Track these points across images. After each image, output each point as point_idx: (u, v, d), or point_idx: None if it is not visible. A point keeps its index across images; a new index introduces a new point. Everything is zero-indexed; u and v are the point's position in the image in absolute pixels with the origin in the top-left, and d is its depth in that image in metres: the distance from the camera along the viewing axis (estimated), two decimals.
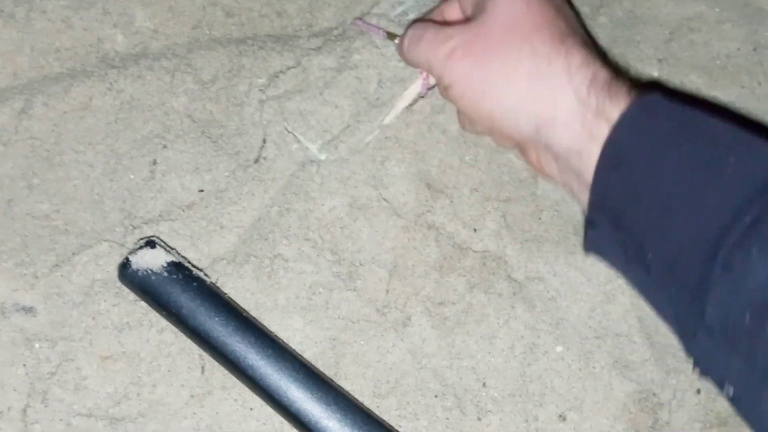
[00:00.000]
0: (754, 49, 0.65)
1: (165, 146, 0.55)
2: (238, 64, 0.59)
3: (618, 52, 0.64)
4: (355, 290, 0.52)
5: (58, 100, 0.56)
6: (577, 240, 0.56)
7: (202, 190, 0.54)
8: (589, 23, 0.65)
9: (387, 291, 0.53)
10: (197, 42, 0.60)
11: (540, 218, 0.57)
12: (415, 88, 0.57)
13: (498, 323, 0.52)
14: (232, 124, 0.57)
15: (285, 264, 0.52)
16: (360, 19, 0.60)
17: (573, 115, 0.44)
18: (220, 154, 0.56)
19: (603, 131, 0.42)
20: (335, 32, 0.60)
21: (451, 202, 0.56)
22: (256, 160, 0.55)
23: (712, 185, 0.38)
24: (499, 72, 0.46)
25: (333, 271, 0.53)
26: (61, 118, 0.55)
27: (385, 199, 0.55)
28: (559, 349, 0.53)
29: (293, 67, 0.58)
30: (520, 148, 0.51)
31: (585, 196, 0.44)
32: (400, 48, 0.54)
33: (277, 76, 0.58)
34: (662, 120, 0.41)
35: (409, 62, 0.54)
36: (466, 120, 0.54)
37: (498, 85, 0.46)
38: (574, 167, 0.45)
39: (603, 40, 0.64)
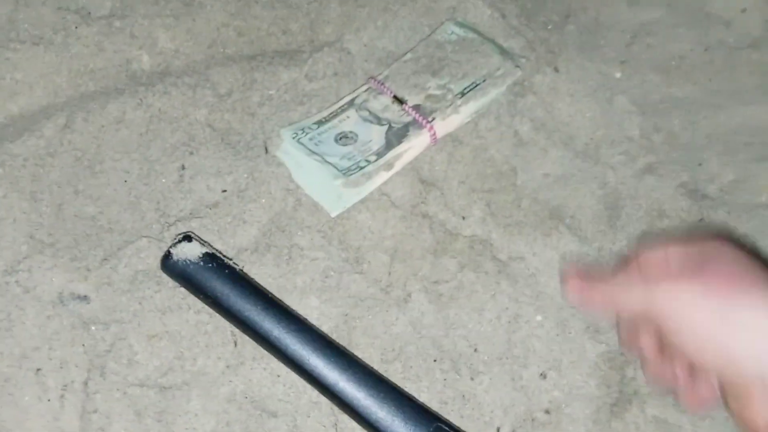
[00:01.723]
0: (705, 50, 0.73)
1: (191, 153, 0.63)
2: (250, 78, 0.67)
3: (585, 55, 0.72)
4: (361, 273, 0.60)
5: (95, 115, 0.64)
6: (552, 224, 0.64)
7: (225, 191, 0.62)
8: (558, 31, 0.73)
9: (389, 273, 0.61)
10: (213, 59, 0.68)
11: (520, 206, 0.64)
12: (423, 140, 0.64)
13: (486, 297, 0.60)
14: (248, 131, 0.65)
15: (301, 252, 0.60)
16: (373, 78, 0.67)
17: None
18: (239, 158, 0.64)
19: None
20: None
21: (442, 194, 0.64)
22: (271, 164, 0.63)
23: None
24: (735, 302, 0.44)
25: (342, 257, 0.61)
26: (100, 130, 0.63)
27: (384, 194, 0.63)
28: (539, 317, 0.60)
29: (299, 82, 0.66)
30: (745, 394, 0.46)
31: None
32: (578, 287, 0.52)
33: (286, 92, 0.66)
34: None
35: (596, 299, 0.51)
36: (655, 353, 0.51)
37: (735, 315, 0.44)
38: None
39: (570, 45, 0.72)
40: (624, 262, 0.52)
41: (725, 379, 0.46)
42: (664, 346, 0.50)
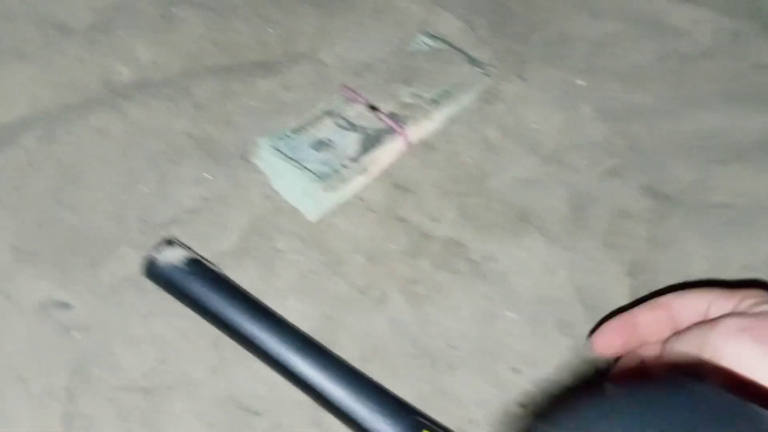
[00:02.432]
0: (662, 59, 0.75)
1: (172, 162, 0.63)
2: (228, 88, 0.67)
3: (550, 65, 0.73)
4: (340, 275, 0.61)
5: (76, 126, 0.64)
6: (522, 225, 0.65)
7: (205, 197, 0.62)
8: (524, 42, 0.75)
9: (367, 274, 0.61)
10: (192, 71, 0.68)
11: (491, 208, 0.65)
12: (397, 145, 0.65)
13: (460, 296, 0.61)
14: (227, 140, 0.65)
15: (280, 256, 0.60)
16: (348, 87, 0.68)
17: None
18: (218, 167, 0.64)
19: None
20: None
21: (416, 197, 0.65)
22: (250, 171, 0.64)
23: None
24: None
25: (321, 260, 0.61)
26: (81, 142, 0.63)
27: (360, 199, 0.64)
28: (511, 314, 0.61)
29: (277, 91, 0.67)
30: None
31: None
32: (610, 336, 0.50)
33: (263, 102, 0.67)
34: None
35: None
36: None
37: None
38: None
39: (536, 55, 0.74)
40: (651, 306, 0.49)
41: None
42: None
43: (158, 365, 0.56)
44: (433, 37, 0.73)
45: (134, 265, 0.59)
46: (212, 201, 0.62)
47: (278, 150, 0.64)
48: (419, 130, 0.66)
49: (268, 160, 0.64)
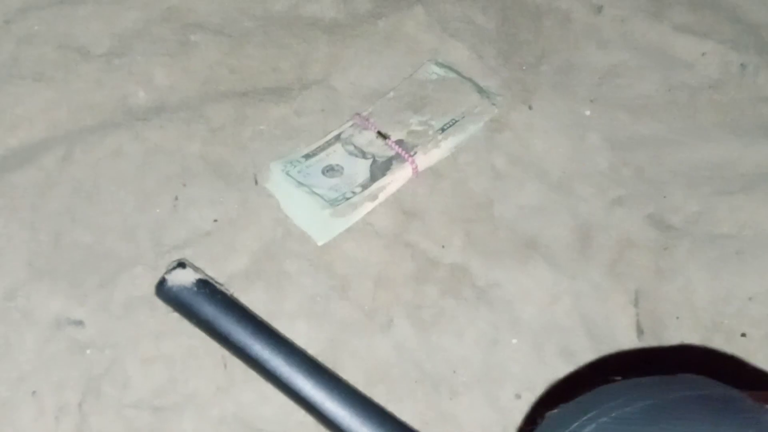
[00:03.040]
0: (669, 90, 0.75)
1: (185, 184, 0.64)
2: (242, 113, 0.69)
3: (557, 94, 0.74)
4: (347, 299, 0.61)
5: (93, 148, 0.65)
6: (527, 252, 0.65)
7: (216, 220, 0.63)
8: (533, 71, 0.75)
9: (373, 299, 0.62)
10: (207, 95, 0.69)
11: (497, 235, 0.66)
12: (406, 173, 0.66)
13: (465, 322, 0.61)
14: (239, 163, 0.66)
15: (289, 279, 0.61)
16: (358, 114, 0.69)
17: None
18: (230, 190, 0.65)
19: None
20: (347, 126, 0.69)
21: (423, 224, 0.65)
22: (261, 195, 0.65)
23: None
24: None
25: (329, 284, 0.62)
26: (97, 162, 0.64)
27: (369, 224, 0.65)
28: (515, 341, 0.61)
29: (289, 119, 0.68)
30: None
31: None
32: None
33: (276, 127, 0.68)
34: None
35: None
36: None
37: None
38: None
39: (544, 85, 0.74)
40: None
41: None
42: None
43: (167, 384, 0.56)
44: (442, 65, 0.74)
45: (146, 284, 0.60)
46: (224, 223, 0.63)
47: (289, 175, 0.65)
48: (428, 157, 0.67)
49: (279, 184, 0.65)
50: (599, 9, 0.79)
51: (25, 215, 0.62)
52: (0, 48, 0.70)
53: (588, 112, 0.73)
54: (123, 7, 0.74)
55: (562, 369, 0.60)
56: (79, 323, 0.58)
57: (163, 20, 0.73)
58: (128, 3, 0.74)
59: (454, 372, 0.59)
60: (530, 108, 0.72)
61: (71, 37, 0.71)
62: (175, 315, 0.58)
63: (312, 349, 0.58)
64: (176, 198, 0.64)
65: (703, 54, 0.78)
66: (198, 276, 0.57)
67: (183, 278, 0.56)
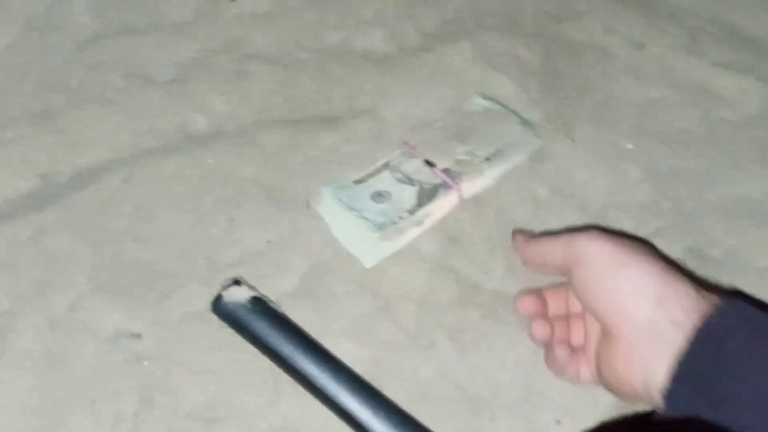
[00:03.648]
0: (709, 125, 0.76)
1: (239, 206, 0.67)
2: (295, 140, 0.71)
3: (598, 127, 0.75)
4: (391, 320, 0.62)
5: (154, 170, 0.68)
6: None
7: (269, 241, 0.65)
8: (574, 105, 0.77)
9: (417, 321, 0.63)
10: (262, 122, 0.72)
11: None
12: (451, 200, 0.68)
13: (506, 346, 0.62)
14: (292, 187, 0.69)
15: (337, 299, 0.63)
16: (406, 143, 0.71)
17: (688, 296, 0.50)
18: (282, 212, 0.67)
19: (707, 310, 0.48)
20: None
21: (467, 250, 0.67)
22: (312, 218, 0.67)
23: None
24: (635, 257, 0.52)
25: (374, 305, 0.63)
26: (157, 184, 0.67)
27: (414, 249, 0.66)
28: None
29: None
30: (615, 344, 0.52)
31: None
32: (522, 246, 0.62)
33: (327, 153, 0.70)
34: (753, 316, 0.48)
35: (533, 250, 0.61)
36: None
37: (632, 266, 0.52)
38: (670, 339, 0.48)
39: (585, 118, 0.76)
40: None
41: (608, 325, 0.53)
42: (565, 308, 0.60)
43: (218, 396, 0.58)
44: (487, 98, 0.76)
45: (201, 300, 0.62)
46: (275, 244, 0.65)
47: (339, 199, 0.67)
48: (472, 186, 0.68)
49: (329, 208, 0.67)
50: (641, 45, 0.80)
51: (89, 232, 0.64)
52: (71, 74, 0.74)
53: (629, 146, 0.74)
54: (186, 38, 0.77)
55: (603, 397, 0.61)
56: (137, 336, 0.60)
57: (222, 51, 0.76)
58: (190, 34, 0.77)
59: (495, 395, 0.60)
60: (572, 140, 0.74)
61: (137, 65, 0.75)
62: (227, 330, 0.60)
63: (357, 368, 0.59)
64: (231, 219, 0.66)
65: (742, 90, 0.78)
66: (252, 293, 0.59)
67: (238, 295, 0.58)
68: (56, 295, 0.61)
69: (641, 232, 0.69)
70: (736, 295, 0.61)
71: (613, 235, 0.55)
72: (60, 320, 0.60)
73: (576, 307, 0.60)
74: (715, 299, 0.50)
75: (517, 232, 0.65)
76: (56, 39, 0.77)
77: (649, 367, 0.49)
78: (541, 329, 0.59)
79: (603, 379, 0.55)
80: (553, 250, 0.58)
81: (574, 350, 0.58)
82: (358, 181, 0.69)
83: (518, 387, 0.60)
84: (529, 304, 0.60)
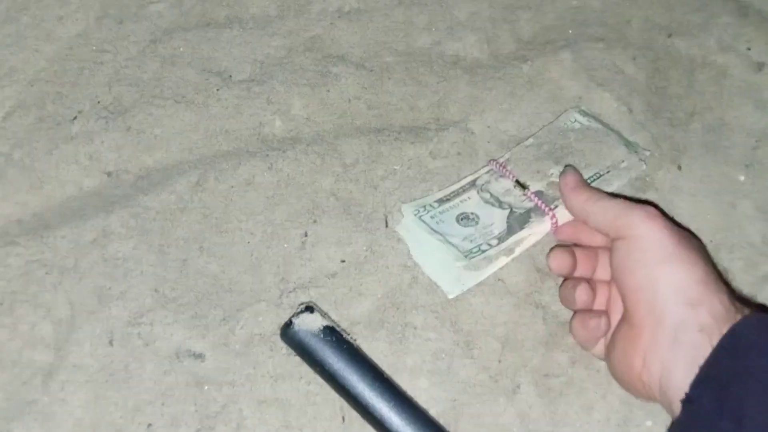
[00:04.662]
0: None
1: (315, 221, 0.62)
2: (376, 150, 0.66)
3: (709, 155, 0.68)
4: (472, 358, 0.57)
5: (226, 175, 0.63)
6: None
7: (344, 261, 0.61)
8: (683, 128, 0.70)
9: (499, 360, 0.58)
10: (342, 130, 0.67)
11: None
12: (545, 227, 0.61)
13: (596, 396, 0.57)
14: (370, 203, 0.63)
15: (413, 331, 0.58)
16: (494, 160, 0.66)
17: (721, 303, 0.48)
18: (359, 230, 0.62)
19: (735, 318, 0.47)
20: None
21: (557, 284, 0.61)
22: (391, 238, 0.62)
23: None
24: (683, 252, 0.50)
25: (453, 340, 0.58)
26: (229, 191, 0.63)
27: (500, 279, 0.61)
28: (649, 423, 0.56)
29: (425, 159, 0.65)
30: (638, 335, 0.51)
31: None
32: (571, 190, 0.58)
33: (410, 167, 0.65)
34: None
35: (581, 203, 0.57)
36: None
37: (678, 263, 0.50)
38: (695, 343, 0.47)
39: (694, 144, 0.69)
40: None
41: (633, 314, 0.51)
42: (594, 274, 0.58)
43: (282, 429, 0.54)
44: (586, 114, 0.69)
45: (268, 322, 0.57)
46: (350, 265, 0.60)
47: (422, 220, 0.62)
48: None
49: (410, 229, 0.62)
50: (760, 66, 0.73)
51: (155, 239, 0.61)
52: (145, 67, 0.70)
53: (742, 177, 0.67)
54: (267, 33, 0.72)
55: None
56: (200, 356, 0.56)
57: (305, 49, 0.71)
58: (272, 29, 0.73)
59: None
60: (679, 168, 0.67)
61: (214, 61, 0.70)
62: (295, 358, 0.55)
63: (433, 410, 0.55)
64: (305, 234, 0.61)
65: None
66: (325, 322, 0.54)
67: (310, 323, 0.54)
68: (117, 306, 0.58)
69: (751, 276, 0.62)
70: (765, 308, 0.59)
71: (668, 219, 0.52)
72: (119, 334, 0.56)
73: (603, 274, 0.58)
74: (746, 311, 0.49)
75: (570, 169, 0.61)
76: (131, 28, 0.73)
77: (669, 370, 0.48)
78: (585, 295, 0.56)
79: (613, 368, 0.54)
80: (604, 212, 0.55)
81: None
82: (442, 201, 0.63)
83: None
84: (563, 262, 0.57)
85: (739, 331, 0.46)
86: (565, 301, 0.58)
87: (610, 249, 0.54)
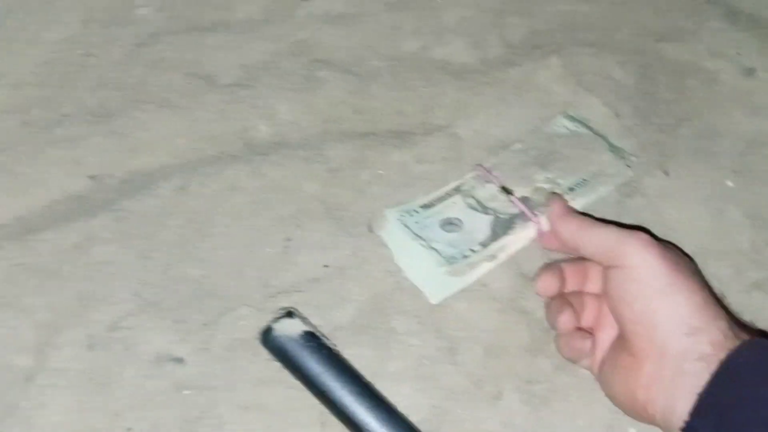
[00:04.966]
0: None
1: (298, 225, 0.62)
2: (362, 155, 0.66)
3: (697, 161, 0.68)
4: (455, 364, 0.57)
5: (211, 180, 0.63)
6: None
7: (327, 266, 0.60)
8: (672, 134, 0.69)
9: (483, 367, 0.57)
10: (328, 134, 0.67)
11: None
12: (529, 233, 0.61)
13: (579, 404, 0.56)
14: (355, 208, 0.63)
15: (396, 337, 0.57)
16: (482, 165, 0.65)
17: (719, 329, 0.48)
18: (343, 235, 0.62)
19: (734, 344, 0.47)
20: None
21: None
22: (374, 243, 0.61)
23: None
24: (681, 282, 0.49)
25: (437, 346, 0.57)
26: (213, 195, 0.63)
27: (483, 285, 0.60)
28: (632, 430, 0.55)
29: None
30: (637, 365, 0.50)
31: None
32: (558, 221, 0.57)
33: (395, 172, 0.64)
34: None
35: (571, 233, 0.56)
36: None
37: (676, 294, 0.49)
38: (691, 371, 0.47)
39: (683, 149, 0.68)
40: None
41: (633, 345, 0.50)
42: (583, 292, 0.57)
43: None
44: (573, 120, 0.69)
45: (250, 327, 0.57)
46: (333, 270, 0.60)
47: (405, 225, 0.61)
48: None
49: (394, 234, 0.61)
50: (750, 72, 0.72)
51: (138, 243, 0.60)
52: (130, 71, 0.70)
53: (730, 184, 0.67)
54: (252, 38, 0.72)
55: None
56: (180, 360, 0.56)
57: (291, 54, 0.71)
58: (258, 33, 0.73)
59: None
60: (666, 174, 0.67)
61: (199, 65, 0.70)
62: (277, 363, 0.55)
63: (414, 416, 0.54)
64: (288, 239, 0.61)
65: None
66: (306, 328, 0.54)
67: (290, 329, 0.53)
68: (98, 310, 0.57)
69: (740, 283, 0.62)
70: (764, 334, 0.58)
71: (662, 245, 0.51)
72: (100, 338, 0.56)
73: (593, 286, 0.57)
74: (744, 336, 0.48)
75: (556, 196, 0.61)
76: (116, 33, 0.74)
77: (671, 399, 0.48)
78: (568, 322, 0.55)
79: (614, 396, 0.53)
80: (597, 242, 0.53)
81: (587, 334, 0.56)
82: (426, 206, 0.63)
83: None
84: (550, 285, 0.56)
85: (736, 358, 0.46)
86: (550, 321, 0.57)
87: (602, 270, 0.54)
